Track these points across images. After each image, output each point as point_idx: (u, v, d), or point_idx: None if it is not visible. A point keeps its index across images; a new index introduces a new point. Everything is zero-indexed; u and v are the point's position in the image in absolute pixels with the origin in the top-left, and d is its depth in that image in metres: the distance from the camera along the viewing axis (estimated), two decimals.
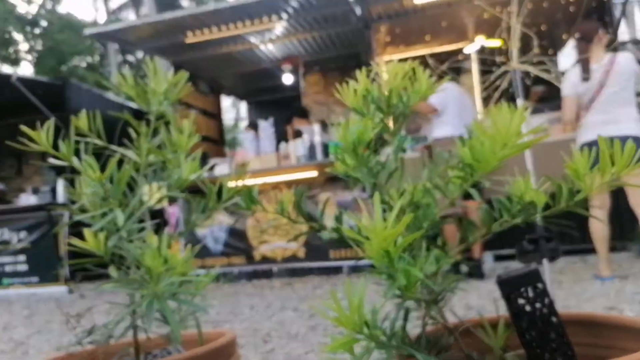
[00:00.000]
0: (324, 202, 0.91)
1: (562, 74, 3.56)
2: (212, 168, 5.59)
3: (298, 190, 0.91)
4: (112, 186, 0.83)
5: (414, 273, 0.62)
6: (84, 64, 19.71)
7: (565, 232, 3.92)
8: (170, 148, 0.91)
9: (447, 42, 6.83)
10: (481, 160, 0.64)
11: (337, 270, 5.76)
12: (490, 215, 0.75)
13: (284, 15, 5.77)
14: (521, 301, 0.79)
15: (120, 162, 0.92)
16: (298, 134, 6.09)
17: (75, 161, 0.87)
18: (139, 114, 0.99)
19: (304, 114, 6.84)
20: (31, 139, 0.85)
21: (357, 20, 5.66)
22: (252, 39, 6.64)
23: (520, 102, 2.30)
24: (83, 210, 0.95)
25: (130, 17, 20.95)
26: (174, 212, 5.80)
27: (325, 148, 5.82)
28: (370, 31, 6.08)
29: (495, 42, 7.08)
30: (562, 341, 0.78)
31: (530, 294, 0.79)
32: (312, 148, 5.84)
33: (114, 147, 0.95)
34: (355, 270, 5.67)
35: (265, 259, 5.95)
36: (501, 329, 0.83)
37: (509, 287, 0.78)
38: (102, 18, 22.87)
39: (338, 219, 0.90)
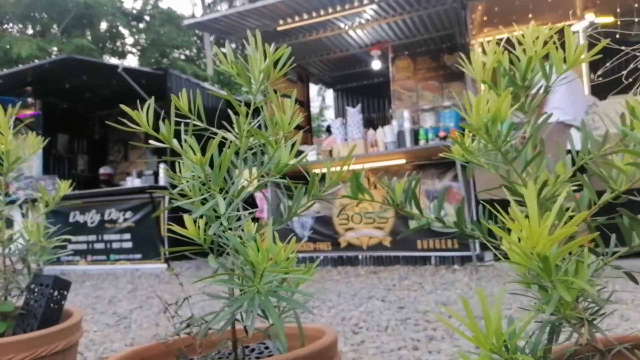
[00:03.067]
0: (443, 192, 0.79)
1: None
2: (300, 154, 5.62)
3: (411, 178, 0.80)
4: (212, 170, 0.78)
5: (579, 285, 0.48)
6: (182, 57, 20.90)
7: None
8: (272, 129, 0.84)
9: (551, 20, 6.26)
10: None
11: (424, 260, 5.58)
12: None
13: None
14: None
15: (217, 147, 0.87)
16: None
17: (175, 143, 0.83)
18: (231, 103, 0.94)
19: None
20: (133, 121, 0.82)
21: None
22: (342, 24, 6.54)
23: None
24: (183, 194, 0.91)
25: (224, 9, 21.78)
26: (262, 197, 5.92)
27: (415, 135, 5.61)
28: (466, 11, 5.72)
29: (607, 19, 6.38)
30: None
31: None
32: (400, 135, 5.66)
33: (213, 129, 0.90)
34: (443, 261, 5.46)
35: (350, 246, 5.91)
36: None
37: None
38: (198, 12, 24.05)
39: (459, 211, 0.78)
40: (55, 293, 1.26)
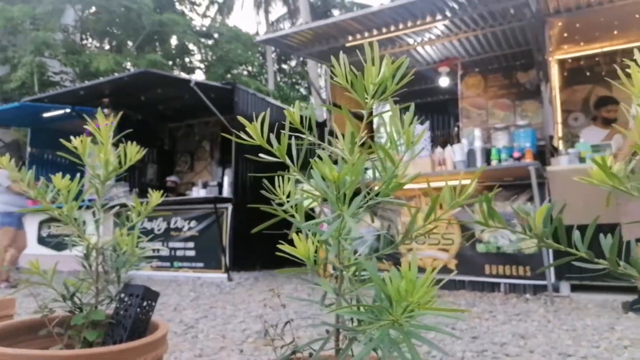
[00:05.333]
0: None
1: None
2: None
3: (552, 205, 0.71)
4: (335, 190, 0.73)
5: None
6: (245, 73, 21.58)
7: None
8: (394, 145, 0.78)
9: (637, 37, 5.86)
10: None
11: (492, 286, 5.30)
12: None
13: (448, 13, 5.47)
14: None
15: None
16: None
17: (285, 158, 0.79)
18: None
19: None
20: (247, 132, 0.78)
21: (532, 15, 5.12)
22: (410, 40, 6.46)
23: None
24: (285, 211, 0.87)
25: (287, 27, 22.36)
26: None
27: (487, 154, 5.38)
28: (544, 27, 5.46)
29: None
30: None
31: None
32: (471, 154, 5.45)
33: (323, 144, 0.84)
34: (513, 289, 5.16)
35: None
36: None
37: None
38: (262, 30, 24.80)
39: (628, 248, 0.67)
40: (145, 304, 1.26)
